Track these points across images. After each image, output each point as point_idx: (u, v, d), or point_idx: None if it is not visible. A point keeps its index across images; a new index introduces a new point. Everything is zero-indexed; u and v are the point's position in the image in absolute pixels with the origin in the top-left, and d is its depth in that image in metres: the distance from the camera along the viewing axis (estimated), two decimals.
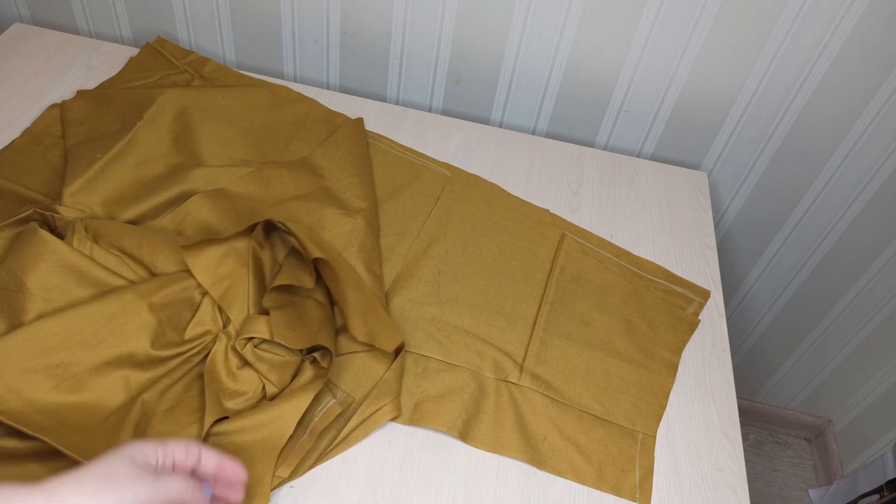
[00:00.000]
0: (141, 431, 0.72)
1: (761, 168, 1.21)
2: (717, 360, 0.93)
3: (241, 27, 1.22)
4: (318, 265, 0.87)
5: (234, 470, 0.63)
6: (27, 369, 0.73)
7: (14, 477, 0.70)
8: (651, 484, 0.80)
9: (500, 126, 1.26)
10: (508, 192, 1.09)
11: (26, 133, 1.04)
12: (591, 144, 1.24)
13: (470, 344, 0.88)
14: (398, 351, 0.84)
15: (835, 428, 1.58)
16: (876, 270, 1.30)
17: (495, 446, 0.80)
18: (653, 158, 1.24)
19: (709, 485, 0.80)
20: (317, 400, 0.79)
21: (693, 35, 1.07)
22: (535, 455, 0.80)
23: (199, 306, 0.83)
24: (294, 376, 0.80)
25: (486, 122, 1.26)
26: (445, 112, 1.26)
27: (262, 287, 0.85)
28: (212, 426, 0.74)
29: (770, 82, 1.10)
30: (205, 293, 0.83)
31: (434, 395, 0.83)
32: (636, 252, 1.04)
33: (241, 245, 0.87)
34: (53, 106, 1.08)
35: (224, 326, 0.82)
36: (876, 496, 1.31)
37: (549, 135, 1.25)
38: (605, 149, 1.24)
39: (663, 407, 0.87)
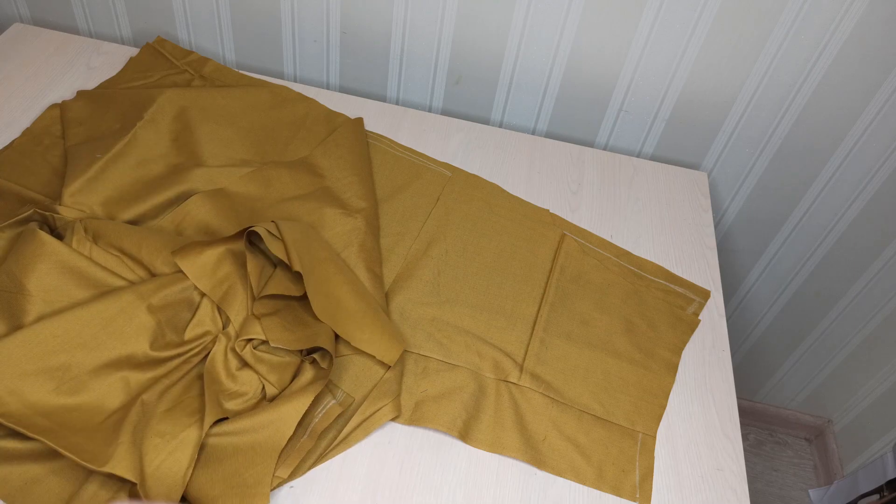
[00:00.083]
0: (140, 432, 0.72)
1: (761, 168, 1.21)
2: (717, 360, 0.93)
3: (241, 27, 1.22)
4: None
5: None
6: (27, 372, 0.73)
7: (14, 477, 0.70)
8: (651, 484, 0.80)
9: (500, 126, 1.26)
10: (508, 192, 1.09)
11: (26, 133, 1.04)
12: (591, 144, 1.24)
13: (470, 344, 0.88)
14: None
15: (835, 428, 1.58)
16: (876, 270, 1.30)
17: (495, 446, 0.80)
18: (653, 158, 1.24)
19: (709, 485, 0.80)
20: (317, 401, 0.79)
21: (693, 35, 1.07)
22: (535, 455, 0.80)
23: (198, 307, 0.83)
24: (294, 377, 0.80)
25: (486, 122, 1.26)
26: (445, 112, 1.26)
27: (261, 288, 0.85)
28: (211, 427, 0.74)
29: (770, 82, 1.10)
30: (204, 294, 0.83)
31: (434, 395, 0.83)
32: (636, 252, 1.04)
33: (239, 247, 0.87)
34: (53, 106, 1.08)
35: (224, 327, 0.82)
36: (876, 496, 1.31)
37: (549, 135, 1.25)
38: (605, 149, 1.24)
39: (663, 407, 0.87)
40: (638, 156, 1.24)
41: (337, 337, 0.85)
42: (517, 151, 1.16)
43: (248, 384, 0.78)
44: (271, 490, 0.72)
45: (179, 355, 0.80)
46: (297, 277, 0.86)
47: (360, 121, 1.12)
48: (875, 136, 1.13)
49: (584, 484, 0.79)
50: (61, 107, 1.08)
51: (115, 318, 0.78)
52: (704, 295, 0.99)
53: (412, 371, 0.85)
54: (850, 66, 1.06)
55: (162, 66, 1.18)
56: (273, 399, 0.77)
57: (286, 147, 1.08)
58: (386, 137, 1.14)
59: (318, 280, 0.84)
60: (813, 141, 1.16)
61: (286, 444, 0.75)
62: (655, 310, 0.96)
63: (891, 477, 1.28)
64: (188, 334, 0.81)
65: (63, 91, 1.13)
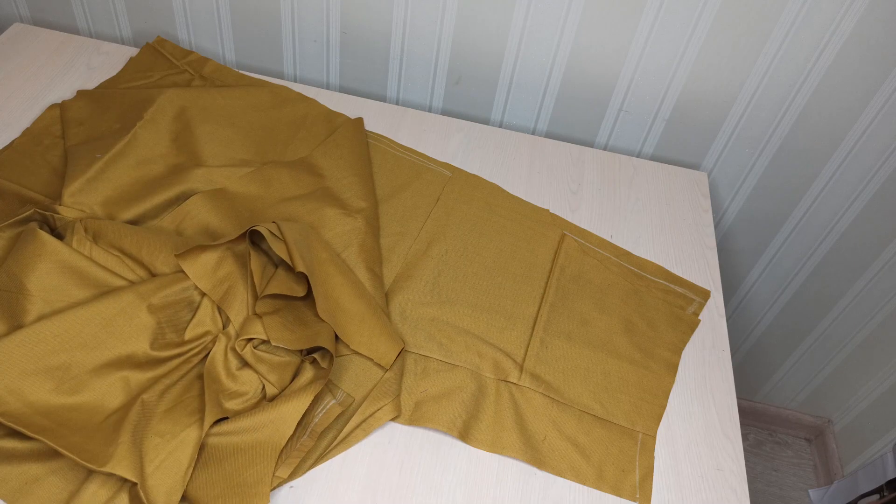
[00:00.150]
0: (140, 432, 0.72)
1: (761, 168, 1.21)
2: (717, 360, 0.93)
3: (241, 27, 1.22)
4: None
5: None
6: (28, 371, 0.73)
7: (14, 477, 0.70)
8: (651, 484, 0.80)
9: (500, 126, 1.26)
10: (508, 192, 1.09)
11: (26, 133, 1.04)
12: (591, 144, 1.24)
13: (470, 344, 0.88)
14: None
15: (835, 428, 1.58)
16: (876, 270, 1.30)
17: (495, 446, 0.80)
18: (653, 158, 1.24)
19: (709, 485, 0.80)
20: (317, 400, 0.79)
21: (693, 35, 1.07)
22: (535, 455, 0.80)
23: (198, 307, 0.83)
24: (294, 377, 0.80)
25: (486, 122, 1.26)
26: (445, 112, 1.26)
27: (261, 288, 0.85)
28: (211, 427, 0.74)
29: (770, 82, 1.10)
30: (204, 294, 0.83)
31: (434, 395, 0.83)
32: (636, 252, 1.04)
33: (240, 247, 0.87)
34: (53, 106, 1.08)
35: (224, 327, 0.82)
36: (876, 496, 1.31)
37: (549, 135, 1.25)
38: (605, 149, 1.24)
39: (663, 407, 0.87)
40: (638, 156, 1.24)
41: (337, 337, 0.85)
42: (517, 151, 1.16)
43: (248, 384, 0.78)
44: (271, 490, 0.72)
45: (179, 355, 0.80)
46: (299, 277, 0.86)
47: (360, 121, 1.12)
48: (875, 136, 1.13)
49: (584, 484, 0.79)
50: (61, 107, 1.08)
51: (116, 318, 0.78)
52: (704, 295, 0.99)
53: (412, 371, 0.85)
54: (850, 66, 1.06)
55: (162, 66, 1.18)
56: (273, 399, 0.77)
57: (286, 147, 1.08)
58: (386, 137, 1.14)
59: (319, 281, 0.85)
60: (813, 141, 1.16)
61: (286, 444, 0.75)
62: (655, 310, 0.96)
63: (891, 477, 1.28)
64: (188, 334, 0.81)
65: (63, 91, 1.13)
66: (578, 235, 1.04)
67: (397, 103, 1.26)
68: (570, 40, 1.12)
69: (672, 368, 0.90)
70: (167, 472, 0.70)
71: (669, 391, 0.88)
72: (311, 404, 0.78)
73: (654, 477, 0.81)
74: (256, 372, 0.79)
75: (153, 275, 0.84)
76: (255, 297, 0.83)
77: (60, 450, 0.69)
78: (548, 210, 1.07)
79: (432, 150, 1.14)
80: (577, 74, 1.15)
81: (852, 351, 1.44)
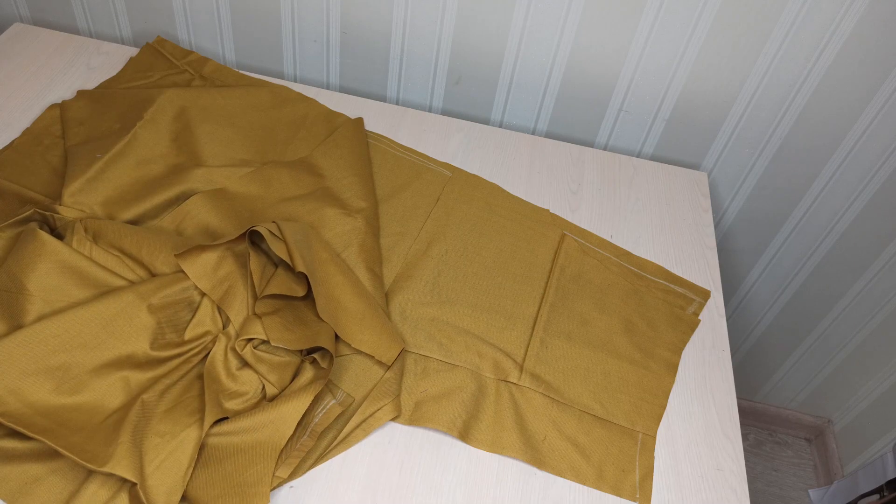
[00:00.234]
0: (140, 432, 0.72)
1: (761, 168, 1.21)
2: (717, 360, 0.93)
3: (241, 27, 1.22)
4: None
5: None
6: (28, 371, 0.73)
7: (14, 477, 0.70)
8: (651, 484, 0.80)
9: (500, 126, 1.26)
10: (508, 192, 1.09)
11: (26, 133, 1.04)
12: (591, 144, 1.24)
13: (470, 344, 0.88)
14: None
15: (835, 428, 1.58)
16: (876, 270, 1.30)
17: (495, 446, 0.80)
18: (653, 158, 1.24)
19: (709, 485, 0.80)
20: (317, 400, 0.79)
21: (693, 35, 1.07)
22: (535, 455, 0.80)
23: (198, 307, 0.83)
24: (294, 377, 0.80)
25: (486, 122, 1.26)
26: (445, 112, 1.26)
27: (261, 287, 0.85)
28: (211, 427, 0.74)
29: (770, 82, 1.10)
30: (204, 294, 0.83)
31: (434, 395, 0.83)
32: (636, 252, 1.04)
33: (240, 247, 0.87)
34: (53, 106, 1.08)
35: (224, 327, 0.82)
36: (876, 496, 1.31)
37: (549, 135, 1.25)
38: (605, 149, 1.24)
39: (663, 407, 0.87)
40: (638, 156, 1.24)
41: (337, 337, 0.85)
42: (517, 151, 1.16)
43: (248, 384, 0.78)
44: (271, 490, 0.72)
45: (179, 355, 0.80)
46: (299, 277, 0.86)
47: (360, 121, 1.12)
48: (875, 136, 1.13)
49: (584, 484, 0.79)
50: (61, 107, 1.08)
51: (116, 318, 0.78)
52: (704, 295, 0.99)
53: (412, 371, 0.85)
54: (850, 66, 1.06)
55: (162, 66, 1.18)
56: (273, 399, 0.77)
57: (286, 147, 1.08)
58: (386, 137, 1.14)
59: (319, 281, 0.85)
60: (813, 141, 1.16)
61: (286, 444, 0.75)
62: (655, 310, 0.96)
63: (891, 477, 1.28)
64: (188, 334, 0.81)
65: (63, 91, 1.13)
66: (578, 235, 1.04)
67: (397, 103, 1.26)
68: (570, 40, 1.12)
69: (672, 368, 0.90)
70: (167, 472, 0.70)
71: (669, 391, 0.88)
72: (311, 404, 0.78)
73: (654, 477, 0.81)
74: (256, 372, 0.79)
75: (153, 275, 0.84)
76: (255, 297, 0.83)
77: (60, 450, 0.69)
78: (548, 210, 1.07)
79: (432, 150, 1.14)
80: (577, 74, 1.15)
81: (852, 351, 1.44)
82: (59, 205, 0.90)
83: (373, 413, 0.79)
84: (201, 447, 0.73)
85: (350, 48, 1.21)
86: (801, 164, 1.19)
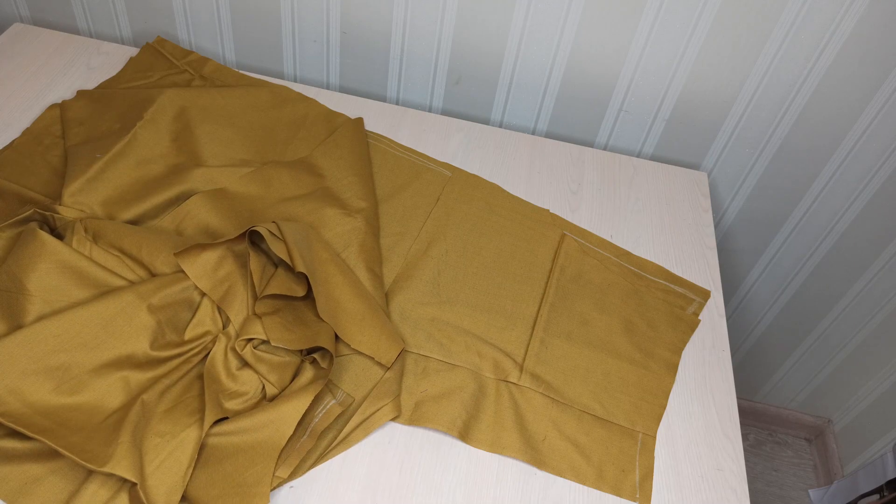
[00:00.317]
0: (140, 432, 0.72)
1: (761, 168, 1.21)
2: (717, 360, 0.93)
3: (241, 27, 1.22)
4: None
5: None
6: (28, 371, 0.73)
7: (14, 477, 0.70)
8: (651, 484, 0.80)
9: (500, 126, 1.26)
10: (508, 192, 1.09)
11: (26, 133, 1.04)
12: (591, 144, 1.24)
13: (470, 344, 0.88)
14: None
15: (835, 428, 1.58)
16: (876, 270, 1.30)
17: (495, 446, 0.80)
18: (653, 158, 1.24)
19: (709, 485, 0.80)
20: (317, 400, 0.79)
21: (693, 35, 1.07)
22: (535, 455, 0.80)
23: (198, 307, 0.83)
24: (294, 377, 0.80)
25: (486, 122, 1.26)
26: (445, 112, 1.26)
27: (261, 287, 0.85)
28: (211, 427, 0.74)
29: (770, 82, 1.10)
30: (204, 294, 0.83)
31: (434, 395, 0.83)
32: (636, 252, 1.04)
33: (240, 247, 0.87)
34: (53, 106, 1.08)
35: (224, 327, 0.82)
36: (876, 496, 1.31)
37: (549, 135, 1.25)
38: (605, 149, 1.24)
39: (663, 407, 0.87)
40: (638, 156, 1.24)
41: (337, 337, 0.85)
42: (517, 151, 1.16)
43: (248, 384, 0.78)
44: (271, 490, 0.72)
45: (179, 355, 0.80)
46: (299, 277, 0.86)
47: (360, 121, 1.12)
48: (875, 136, 1.13)
49: (585, 484, 0.79)
50: (61, 107, 1.08)
51: (115, 318, 0.78)
52: (704, 295, 0.99)
53: (412, 371, 0.85)
54: (850, 66, 1.06)
55: (162, 66, 1.18)
56: (273, 399, 0.77)
57: (286, 147, 1.08)
58: (386, 137, 1.14)
59: (319, 281, 0.85)
60: (813, 141, 1.16)
61: (286, 444, 0.75)
62: (655, 310, 0.96)
63: (891, 477, 1.28)
64: (188, 334, 0.81)
65: (63, 91, 1.13)
66: (578, 235, 1.04)
67: (397, 103, 1.26)
68: (570, 40, 1.12)
69: (672, 368, 0.90)
70: (167, 472, 0.70)
71: (669, 391, 0.88)
72: (311, 404, 0.78)
73: (654, 477, 0.81)
74: (256, 372, 0.79)
75: (153, 275, 0.84)
76: (255, 297, 0.83)
77: (60, 450, 0.69)
78: (548, 210, 1.07)
79: (432, 150, 1.14)
80: (577, 74, 1.15)
81: (852, 351, 1.44)
82: (59, 205, 0.90)
83: (373, 413, 0.79)
84: (201, 447, 0.73)
85: (350, 48, 1.21)
86: (801, 164, 1.19)
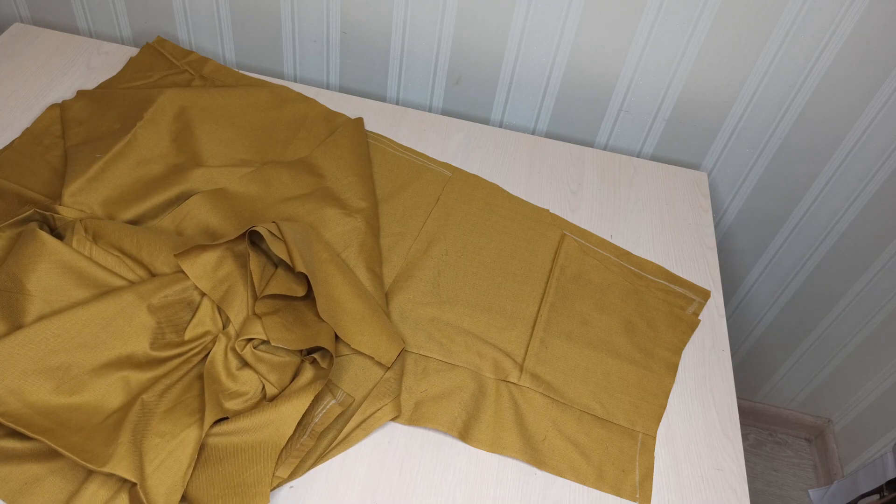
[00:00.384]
0: (140, 432, 0.72)
1: (761, 168, 1.21)
2: (717, 360, 0.93)
3: (241, 27, 1.22)
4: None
5: None
6: (28, 371, 0.73)
7: (14, 477, 0.70)
8: (651, 484, 0.80)
9: (500, 126, 1.26)
10: (508, 192, 1.09)
11: (26, 133, 1.04)
12: (591, 144, 1.24)
13: (470, 344, 0.88)
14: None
15: (835, 428, 1.58)
16: (876, 270, 1.30)
17: (495, 446, 0.80)
18: (653, 158, 1.24)
19: (709, 485, 0.80)
20: (317, 400, 0.79)
21: (693, 35, 1.07)
22: (535, 455, 0.80)
23: (198, 307, 0.83)
24: (294, 377, 0.80)
25: (486, 122, 1.26)
26: (445, 112, 1.26)
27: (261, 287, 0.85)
28: (211, 427, 0.74)
29: (770, 82, 1.10)
30: (204, 294, 0.83)
31: (434, 395, 0.83)
32: (636, 252, 1.04)
33: (240, 247, 0.87)
34: (53, 106, 1.08)
35: (224, 327, 0.82)
36: (876, 496, 1.31)
37: (549, 135, 1.25)
38: (605, 149, 1.24)
39: (663, 407, 0.87)
40: (638, 156, 1.24)
41: (337, 337, 0.85)
42: (517, 151, 1.16)
43: (248, 384, 0.78)
44: (271, 490, 0.72)
45: (179, 355, 0.80)
46: (299, 277, 0.86)
47: (360, 121, 1.12)
48: (875, 136, 1.13)
49: (584, 484, 0.79)
50: (61, 107, 1.08)
51: (115, 318, 0.78)
52: (704, 295, 0.99)
53: (412, 371, 0.85)
54: (850, 66, 1.06)
55: (162, 66, 1.18)
56: (273, 399, 0.77)
57: (286, 147, 1.08)
58: (386, 137, 1.14)
59: (319, 281, 0.85)
60: (813, 141, 1.16)
61: (286, 444, 0.75)
62: (655, 310, 0.96)
63: (891, 477, 1.28)
64: (188, 334, 0.81)
65: (63, 91, 1.13)
66: (578, 235, 1.04)
67: (397, 103, 1.26)
68: (570, 40, 1.12)
69: (672, 368, 0.90)
70: (167, 472, 0.70)
71: (669, 391, 0.88)
72: (311, 404, 0.78)
73: (654, 477, 0.81)
74: (256, 372, 0.79)
75: (153, 275, 0.84)
76: (255, 297, 0.83)
77: (60, 450, 0.69)
78: (548, 210, 1.07)
79: (432, 150, 1.14)
80: (577, 74, 1.15)
81: (852, 351, 1.44)
82: (59, 205, 0.90)
83: (373, 413, 0.79)
84: (201, 447, 0.73)
85: (350, 48, 1.21)
86: (801, 164, 1.19)
